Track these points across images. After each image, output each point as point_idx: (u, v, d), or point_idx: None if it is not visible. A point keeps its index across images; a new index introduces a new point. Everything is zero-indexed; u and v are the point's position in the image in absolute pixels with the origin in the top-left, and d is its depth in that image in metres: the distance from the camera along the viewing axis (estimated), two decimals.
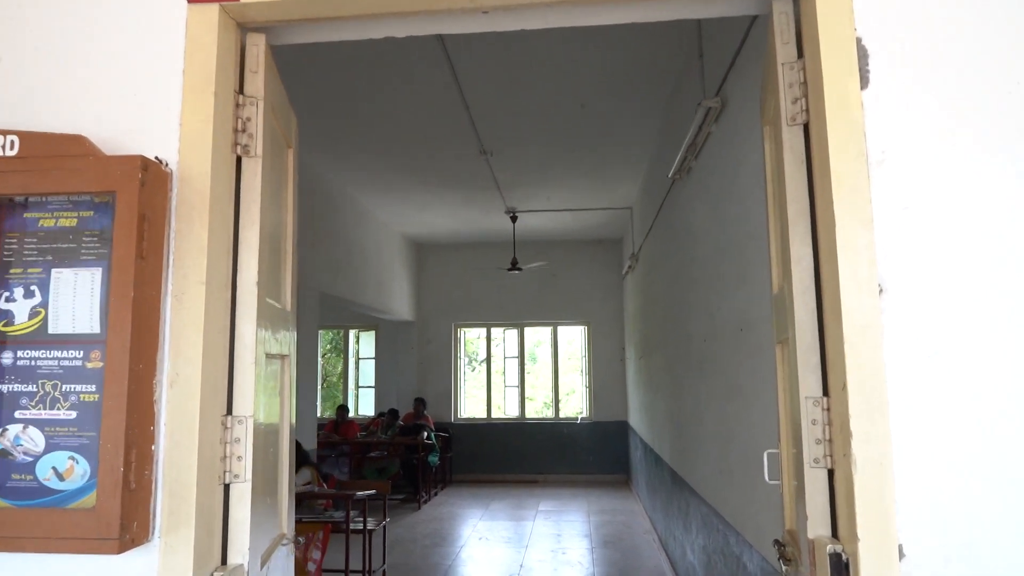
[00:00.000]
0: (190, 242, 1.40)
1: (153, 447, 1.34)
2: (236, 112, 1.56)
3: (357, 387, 12.21)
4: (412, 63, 4.85)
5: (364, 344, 12.19)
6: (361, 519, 5.73)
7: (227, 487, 1.48)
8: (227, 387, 1.50)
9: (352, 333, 12.17)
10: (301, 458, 5.94)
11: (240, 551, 1.45)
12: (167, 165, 1.42)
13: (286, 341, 1.96)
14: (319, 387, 12.55)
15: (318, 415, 12.01)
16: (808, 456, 1.38)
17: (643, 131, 6.17)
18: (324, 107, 5.67)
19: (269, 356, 1.73)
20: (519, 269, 9.31)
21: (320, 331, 12.35)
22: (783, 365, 1.78)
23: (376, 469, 9.71)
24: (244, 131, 1.57)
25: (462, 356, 11.87)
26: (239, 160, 1.57)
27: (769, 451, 1.88)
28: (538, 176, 7.64)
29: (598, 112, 5.76)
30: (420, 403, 10.60)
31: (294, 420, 2.04)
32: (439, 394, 11.36)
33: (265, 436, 1.69)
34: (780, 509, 1.91)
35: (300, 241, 6.33)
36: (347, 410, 10.42)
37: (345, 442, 9.68)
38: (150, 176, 1.34)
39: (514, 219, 9.23)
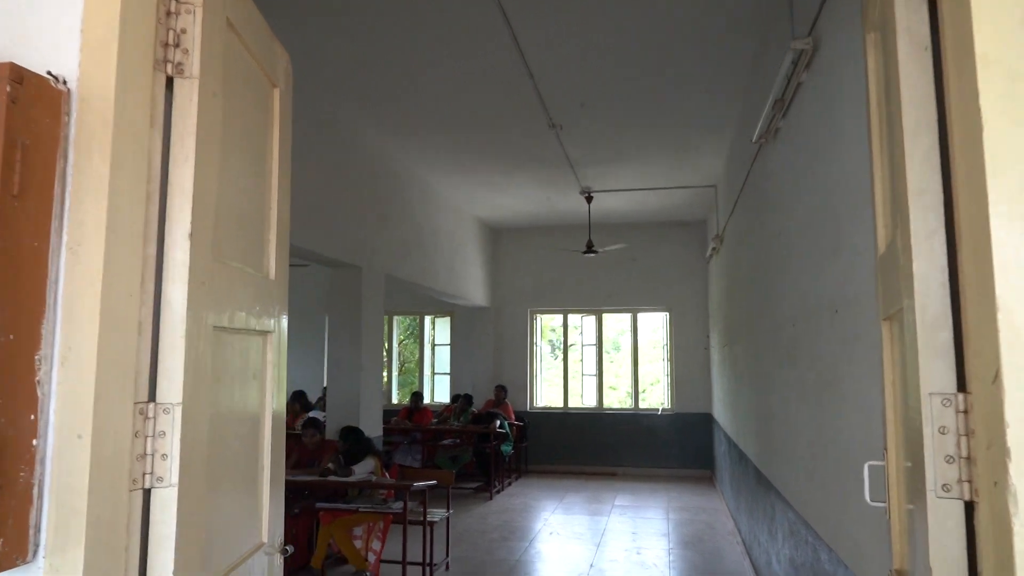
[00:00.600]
0: (89, 179, 1.08)
1: (35, 442, 1.04)
2: (165, 21, 1.23)
3: (433, 373, 12.07)
4: (471, 31, 4.51)
5: (440, 330, 12.03)
6: (422, 510, 5.48)
7: (149, 493, 1.17)
8: (150, 367, 1.18)
9: (428, 319, 12.03)
10: (364, 447, 5.75)
11: (162, 574, 1.14)
12: (64, 82, 1.11)
13: (268, 316, 1.65)
14: (395, 373, 12.50)
15: (395, 401, 12.02)
16: (933, 479, 0.93)
17: (726, 95, 5.59)
18: (385, 84, 5.41)
19: (229, 331, 1.42)
20: (595, 252, 8.84)
21: (396, 317, 12.30)
22: (892, 348, 1.32)
23: (449, 457, 9.51)
24: (177, 45, 1.24)
25: (538, 343, 11.52)
26: (171, 82, 1.25)
27: (871, 463, 1.41)
28: (612, 151, 7.15)
29: (675, 76, 5.24)
30: (501, 390, 10.33)
31: (281, 407, 1.73)
32: (515, 381, 11.07)
33: (222, 428, 1.38)
34: (886, 535, 1.45)
35: (363, 222, 6.11)
36: (421, 397, 10.27)
37: (417, 429, 9.51)
38: (28, 93, 1.03)
39: (589, 199, 8.77)
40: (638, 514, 7.99)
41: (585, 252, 8.85)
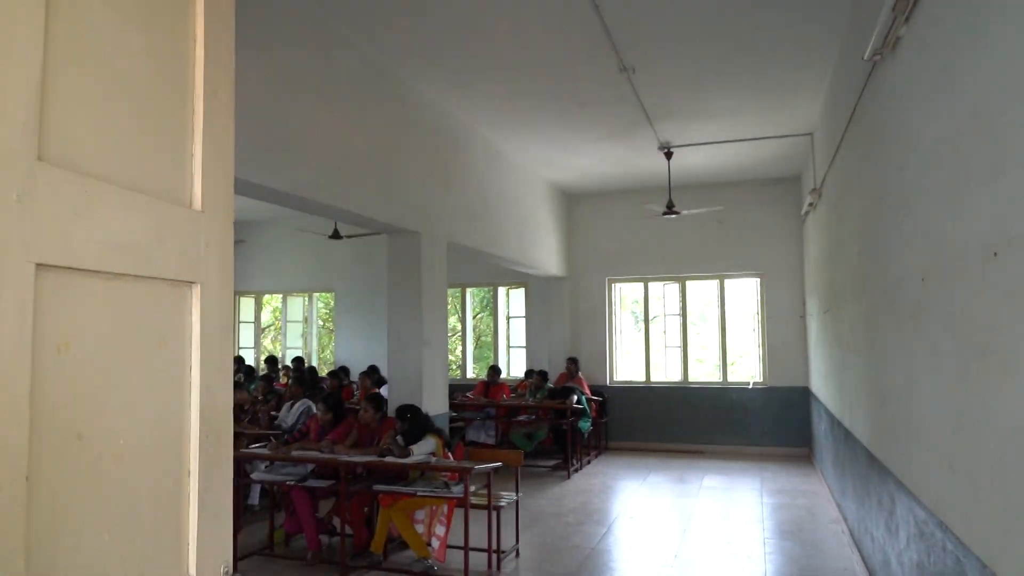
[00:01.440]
0: None
1: None
2: None
3: (508, 347, 11.63)
4: None
5: (514, 302, 11.57)
6: (487, 492, 5.04)
7: None
8: None
9: (501, 291, 11.57)
10: (423, 426, 5.35)
11: None
12: None
13: (187, 259, 1.18)
14: (471, 347, 12.13)
15: (470, 376, 11.66)
16: None
17: (826, 16, 4.77)
18: (440, 31, 4.90)
19: (88, 275, 0.95)
20: (676, 213, 8.11)
21: (470, 289, 11.91)
22: None
23: (524, 435, 9.09)
24: None
25: (617, 313, 10.88)
26: None
27: None
28: (692, 99, 6.41)
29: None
30: (573, 363, 9.78)
31: (219, 388, 1.26)
32: (593, 354, 10.51)
33: (81, 425, 0.92)
34: None
35: (422, 185, 5.62)
36: (499, 371, 9.83)
37: (490, 404, 9.11)
38: None
39: (669, 155, 8.03)
40: (729, 496, 7.33)
41: (665, 213, 8.13)
